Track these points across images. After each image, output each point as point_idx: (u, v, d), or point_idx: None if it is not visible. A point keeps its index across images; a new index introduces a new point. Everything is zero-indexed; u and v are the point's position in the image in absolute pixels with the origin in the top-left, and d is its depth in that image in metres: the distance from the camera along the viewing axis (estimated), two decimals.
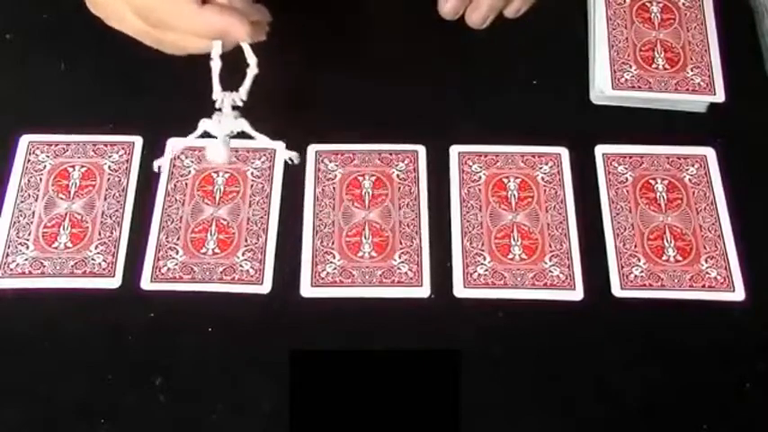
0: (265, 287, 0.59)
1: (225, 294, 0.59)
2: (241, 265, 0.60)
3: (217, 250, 0.60)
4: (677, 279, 0.59)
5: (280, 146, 0.59)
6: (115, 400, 0.55)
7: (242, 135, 0.56)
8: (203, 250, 0.60)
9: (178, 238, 0.60)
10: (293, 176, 0.63)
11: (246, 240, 0.60)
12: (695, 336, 0.58)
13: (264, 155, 0.63)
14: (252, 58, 0.56)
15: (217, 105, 0.56)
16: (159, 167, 0.59)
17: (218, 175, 0.62)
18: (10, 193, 0.62)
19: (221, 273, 0.59)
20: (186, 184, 0.62)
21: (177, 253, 0.60)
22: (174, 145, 0.61)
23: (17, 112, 0.66)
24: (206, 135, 0.56)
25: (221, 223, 0.61)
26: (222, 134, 0.56)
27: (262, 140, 0.57)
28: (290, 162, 0.58)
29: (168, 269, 0.59)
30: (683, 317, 0.58)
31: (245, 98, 0.57)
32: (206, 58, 0.55)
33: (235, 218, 0.61)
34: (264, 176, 0.62)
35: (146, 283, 0.59)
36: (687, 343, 0.58)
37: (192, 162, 0.62)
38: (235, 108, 0.56)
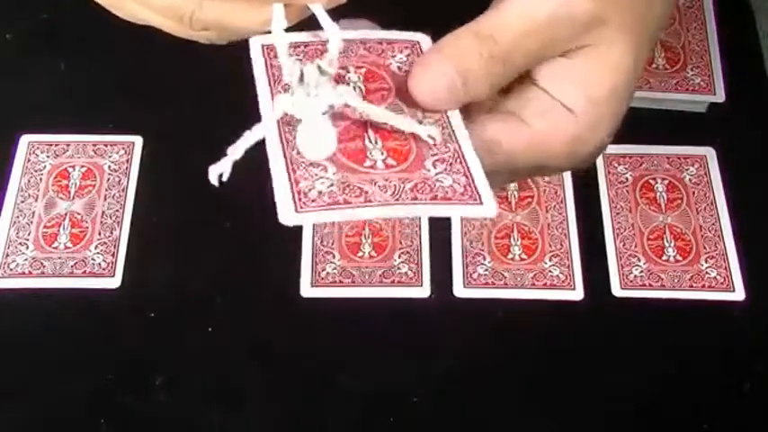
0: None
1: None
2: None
3: None
4: (677, 279, 0.59)
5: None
6: (115, 400, 0.56)
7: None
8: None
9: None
10: None
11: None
12: (695, 336, 0.58)
13: None
14: (332, 27, 0.40)
15: (290, 80, 0.38)
16: (221, 175, 0.37)
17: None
18: (10, 193, 0.62)
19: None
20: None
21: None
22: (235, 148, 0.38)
23: (17, 112, 0.66)
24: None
25: None
26: (318, 111, 0.38)
27: (387, 118, 0.39)
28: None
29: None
30: (682, 317, 0.58)
31: (335, 66, 0.39)
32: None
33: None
34: None
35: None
36: (687, 343, 0.58)
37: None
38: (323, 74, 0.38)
